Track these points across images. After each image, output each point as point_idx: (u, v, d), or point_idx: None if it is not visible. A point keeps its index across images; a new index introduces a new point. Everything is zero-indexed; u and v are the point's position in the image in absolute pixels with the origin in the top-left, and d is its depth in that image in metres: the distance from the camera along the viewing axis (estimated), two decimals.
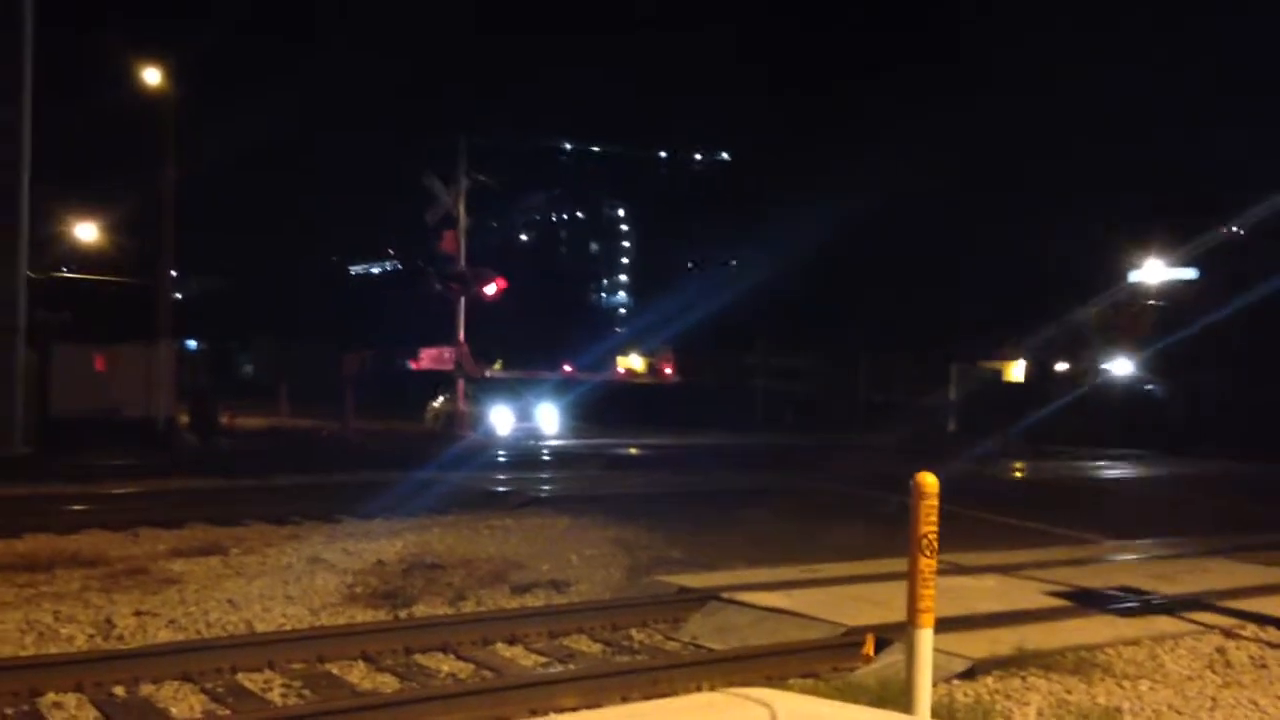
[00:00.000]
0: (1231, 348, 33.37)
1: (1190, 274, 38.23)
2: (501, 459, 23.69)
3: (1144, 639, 7.54)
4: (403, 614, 8.44)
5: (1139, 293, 38.69)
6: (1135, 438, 30.71)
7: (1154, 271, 38.88)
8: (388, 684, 6.74)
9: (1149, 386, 35.30)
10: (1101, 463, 26.45)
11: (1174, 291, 37.84)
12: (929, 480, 4.85)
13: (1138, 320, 37.61)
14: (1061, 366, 39.62)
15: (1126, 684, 6.63)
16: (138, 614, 8.06)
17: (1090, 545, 12.23)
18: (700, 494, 17.39)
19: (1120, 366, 36.99)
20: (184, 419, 27.20)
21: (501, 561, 10.46)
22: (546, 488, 17.39)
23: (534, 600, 9.07)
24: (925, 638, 4.96)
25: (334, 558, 10.52)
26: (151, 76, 26.92)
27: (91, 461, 19.79)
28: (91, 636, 7.54)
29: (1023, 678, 6.66)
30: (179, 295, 32.12)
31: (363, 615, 8.39)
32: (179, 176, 27.93)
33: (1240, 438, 27.76)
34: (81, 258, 35.81)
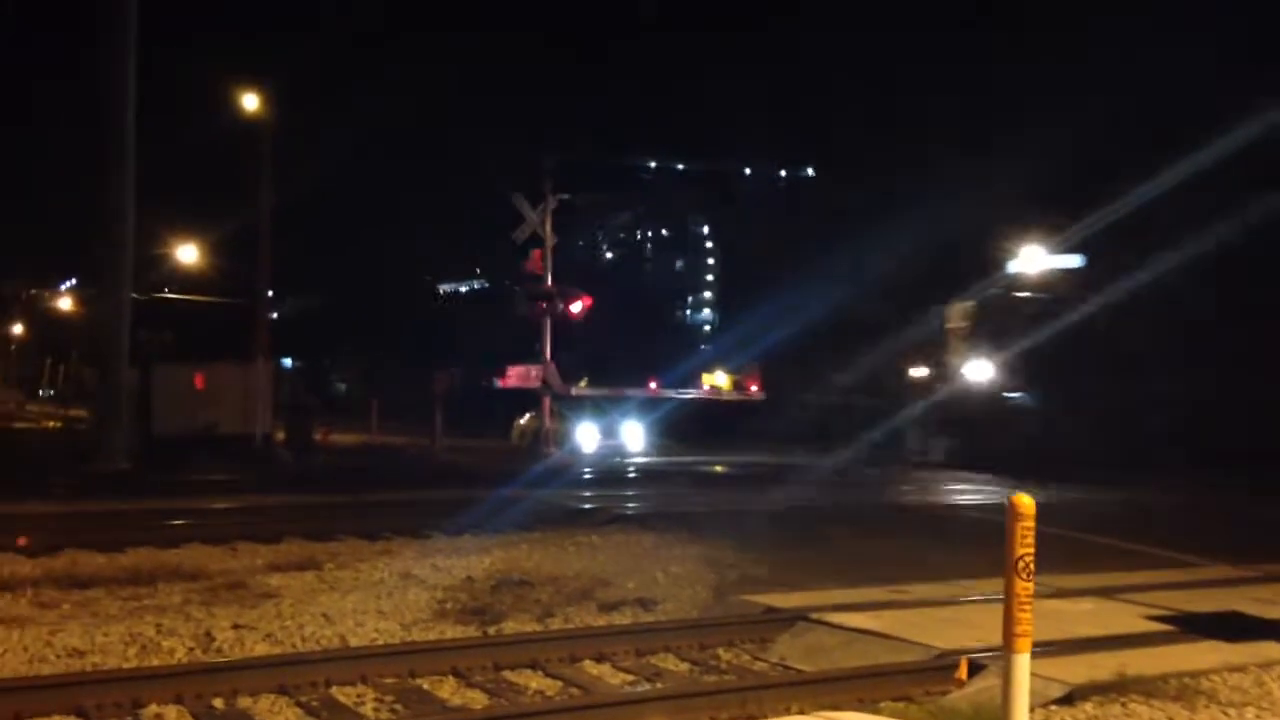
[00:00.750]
0: (1106, 348, 28.90)
1: (1075, 261, 32.16)
2: (587, 476, 23.78)
3: (1250, 665, 7.27)
4: (492, 630, 8.51)
5: (1016, 284, 32.52)
6: (988, 456, 26.52)
7: (1034, 260, 32.50)
8: (477, 700, 6.79)
9: (1013, 394, 30.15)
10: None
11: (1057, 282, 31.68)
12: (1025, 502, 4.74)
13: (1011, 316, 31.03)
14: (920, 372, 33.42)
15: (1232, 711, 6.40)
16: (236, 627, 8.25)
17: (1190, 568, 11.85)
18: (786, 512, 17.25)
19: (981, 371, 30.92)
20: (279, 435, 27.84)
21: (588, 579, 10.49)
22: (632, 505, 17.42)
23: (621, 618, 9.08)
24: (1022, 663, 4.84)
25: (424, 573, 10.65)
26: (250, 102, 27.71)
27: (191, 477, 20.37)
28: (191, 649, 7.73)
29: (1123, 704, 6.47)
30: (275, 315, 32.90)
31: (453, 631, 8.48)
32: (275, 200, 28.69)
33: (1118, 457, 24.14)
34: (183, 279, 36.95)
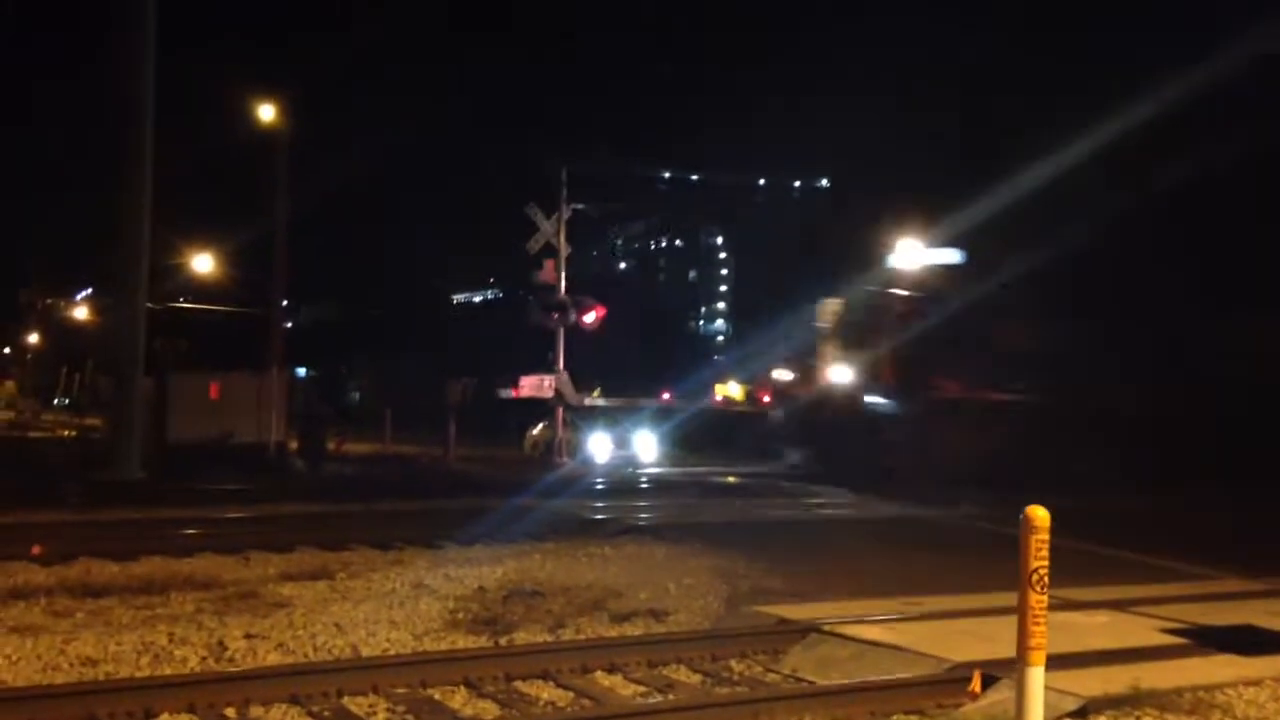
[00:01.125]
0: (983, 347, 25.90)
1: (954, 257, 28.95)
2: (599, 486, 23.78)
3: (1266, 679, 7.22)
4: (503, 640, 8.50)
5: (891, 281, 29.25)
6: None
7: (912, 255, 29.11)
8: (488, 710, 6.78)
9: (874, 399, 27.00)
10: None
11: (933, 279, 28.45)
12: (1039, 514, 4.73)
13: (879, 315, 28.18)
14: (785, 375, 30.65)
15: None
16: (248, 636, 8.26)
17: (1205, 581, 11.77)
18: (799, 523, 17.22)
19: (843, 374, 28.13)
20: (293, 445, 27.92)
21: (600, 589, 10.48)
22: (644, 515, 17.40)
23: (633, 629, 9.06)
24: (1036, 676, 4.83)
25: (436, 583, 10.65)
26: (266, 112, 27.87)
27: (205, 486, 20.43)
28: (204, 658, 7.74)
29: (1137, 718, 6.43)
30: (290, 324, 33.05)
31: (464, 641, 8.47)
32: (290, 209, 28.82)
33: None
34: (198, 288, 37.13)
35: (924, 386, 26.42)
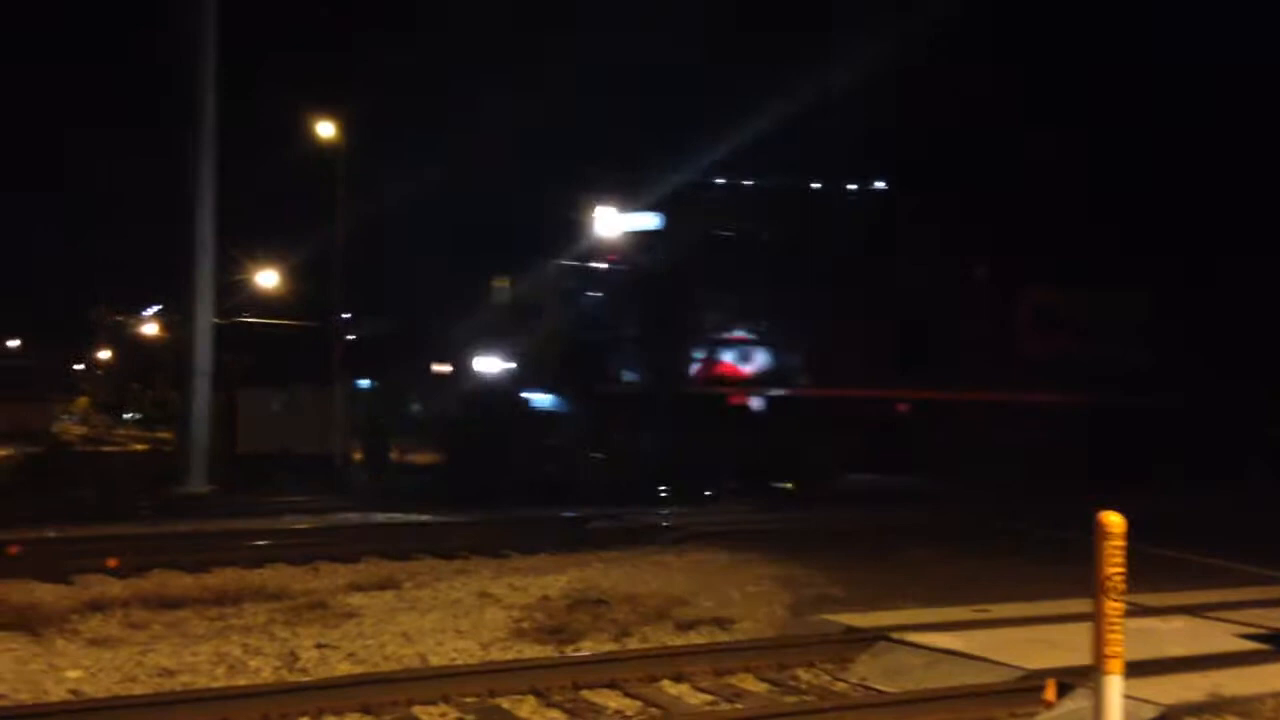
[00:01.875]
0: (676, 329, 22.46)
1: (653, 222, 24.80)
2: (662, 493, 23.68)
3: None
4: (569, 650, 8.53)
5: (586, 252, 24.81)
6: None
7: (609, 222, 24.79)
8: (557, 719, 6.82)
9: (532, 395, 22.84)
10: None
11: (632, 248, 24.31)
12: (1114, 519, 4.65)
13: (550, 293, 24.13)
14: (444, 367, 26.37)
15: None
16: (319, 647, 8.37)
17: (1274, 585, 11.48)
18: (860, 530, 17.05)
19: (491, 364, 23.78)
20: (357, 455, 28.27)
21: (664, 598, 10.46)
22: (707, 522, 17.35)
23: (698, 637, 9.05)
24: (1114, 684, 4.74)
25: (501, 592, 10.71)
26: (325, 129, 28.30)
27: (273, 498, 20.74)
28: (277, 668, 7.86)
29: None
30: (353, 336, 33.46)
31: (530, 650, 8.52)
32: (352, 222, 29.22)
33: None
34: (263, 303, 37.74)
35: (600, 378, 22.43)
